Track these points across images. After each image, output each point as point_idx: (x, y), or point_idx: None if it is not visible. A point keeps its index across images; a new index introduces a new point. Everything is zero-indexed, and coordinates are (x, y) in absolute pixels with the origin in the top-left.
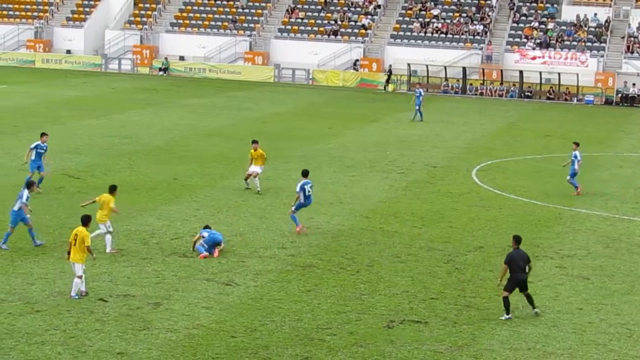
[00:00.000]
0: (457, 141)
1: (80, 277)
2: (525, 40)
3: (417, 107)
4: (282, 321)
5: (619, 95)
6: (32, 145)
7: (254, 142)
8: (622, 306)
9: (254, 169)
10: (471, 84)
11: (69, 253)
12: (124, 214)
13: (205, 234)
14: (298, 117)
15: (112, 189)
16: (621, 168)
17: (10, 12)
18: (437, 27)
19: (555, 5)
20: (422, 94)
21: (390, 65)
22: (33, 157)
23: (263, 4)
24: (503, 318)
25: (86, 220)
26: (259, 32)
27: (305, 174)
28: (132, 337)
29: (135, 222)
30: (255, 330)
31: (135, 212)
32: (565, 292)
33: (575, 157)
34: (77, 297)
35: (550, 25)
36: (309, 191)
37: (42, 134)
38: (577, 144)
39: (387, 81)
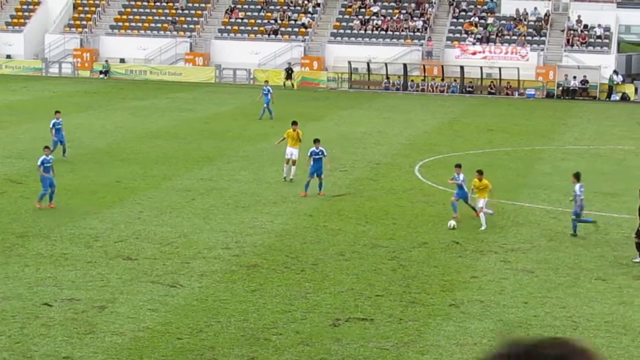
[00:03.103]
0: (399, 138)
1: None
2: (465, 35)
3: (266, 105)
4: (227, 322)
5: (560, 88)
6: (50, 124)
7: (294, 123)
8: (567, 299)
9: (292, 151)
10: (412, 81)
11: None
12: (67, 218)
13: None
14: (240, 117)
15: None
16: (564, 161)
17: None
18: (377, 24)
19: (494, 0)
20: (271, 91)
21: (290, 63)
22: (53, 134)
23: (203, 5)
24: (636, 260)
25: None
26: (199, 32)
27: None
28: (77, 341)
29: (79, 226)
30: (201, 332)
31: (78, 215)
32: (510, 287)
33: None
34: None
35: (490, 20)
36: None
37: (56, 112)
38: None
39: (287, 77)
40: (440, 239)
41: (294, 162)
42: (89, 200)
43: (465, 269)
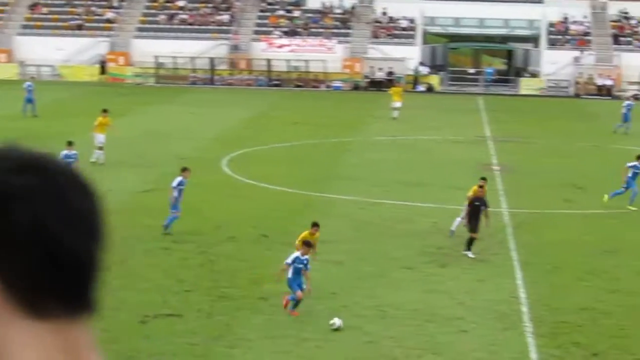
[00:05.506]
0: (206, 132)
1: None
2: (272, 29)
3: (30, 102)
4: None
5: (367, 80)
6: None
7: (104, 110)
8: (376, 289)
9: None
10: (220, 75)
11: None
12: None
13: None
14: (41, 116)
15: None
16: (371, 152)
17: None
18: (183, 18)
19: None
20: (33, 87)
21: (102, 56)
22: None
23: (4, 1)
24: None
25: None
26: (1, 29)
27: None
28: None
29: None
30: None
31: None
32: (318, 278)
33: None
34: None
35: (297, 13)
36: None
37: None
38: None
39: (102, 72)
40: (248, 233)
41: (100, 148)
42: None
43: (275, 263)
